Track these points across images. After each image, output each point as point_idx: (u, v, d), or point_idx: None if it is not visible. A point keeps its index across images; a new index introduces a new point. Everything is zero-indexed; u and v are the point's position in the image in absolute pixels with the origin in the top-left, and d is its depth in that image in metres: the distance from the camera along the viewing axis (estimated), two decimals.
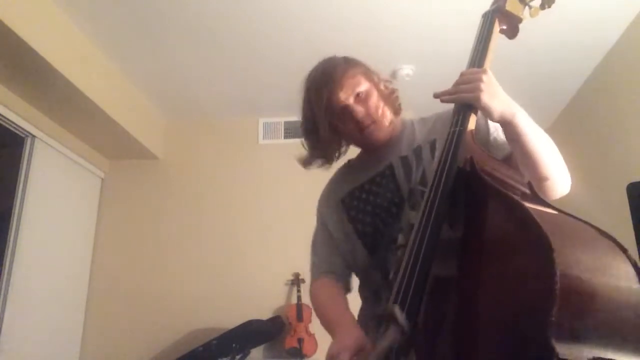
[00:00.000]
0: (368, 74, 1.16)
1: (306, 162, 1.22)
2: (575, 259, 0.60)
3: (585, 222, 0.70)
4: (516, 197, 0.73)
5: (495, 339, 0.66)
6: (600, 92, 3.21)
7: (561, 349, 0.54)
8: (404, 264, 0.77)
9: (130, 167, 3.79)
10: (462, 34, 2.89)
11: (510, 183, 0.81)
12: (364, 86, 1.13)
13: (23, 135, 2.96)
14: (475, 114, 0.92)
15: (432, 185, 0.82)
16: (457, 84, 0.92)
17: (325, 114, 1.11)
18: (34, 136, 2.98)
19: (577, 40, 2.92)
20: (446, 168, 0.82)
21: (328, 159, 1.21)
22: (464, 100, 0.90)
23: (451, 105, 0.97)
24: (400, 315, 0.70)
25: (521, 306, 0.62)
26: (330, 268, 1.24)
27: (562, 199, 1.02)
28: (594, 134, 3.28)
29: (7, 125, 2.82)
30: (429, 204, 0.80)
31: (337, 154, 1.22)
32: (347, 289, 1.25)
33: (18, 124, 2.85)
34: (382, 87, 1.18)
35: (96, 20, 2.73)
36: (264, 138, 3.87)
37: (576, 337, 0.56)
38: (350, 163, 1.30)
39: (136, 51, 3.04)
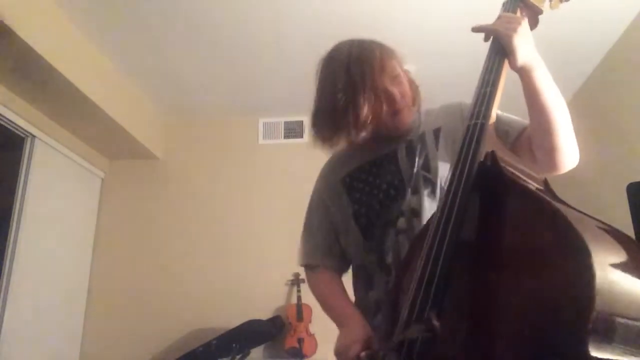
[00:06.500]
0: (399, 60, 1.17)
1: (331, 143, 1.14)
2: (609, 261, 0.58)
3: (602, 221, 0.67)
4: (546, 196, 0.68)
5: (518, 347, 0.62)
6: (600, 92, 3.21)
7: (594, 352, 0.52)
8: (419, 270, 0.73)
9: (130, 167, 3.79)
10: (463, 34, 2.90)
11: (530, 180, 0.77)
12: (399, 70, 1.14)
13: (23, 135, 2.96)
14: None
15: (452, 183, 0.78)
16: (496, 23, 0.96)
17: (370, 93, 1.07)
18: (34, 136, 2.98)
19: (577, 40, 2.92)
20: (467, 165, 0.78)
21: (354, 135, 1.12)
22: (497, 35, 0.94)
23: (456, 97, 0.95)
24: (436, 322, 0.67)
25: (554, 314, 0.58)
26: (327, 253, 1.23)
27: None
28: (594, 133, 3.28)
29: (7, 125, 2.82)
30: (448, 203, 0.76)
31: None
32: (343, 273, 1.25)
33: (18, 124, 2.85)
34: (408, 76, 1.19)
35: (97, 20, 2.73)
36: (264, 138, 3.86)
37: (609, 340, 0.54)
38: (353, 146, 1.24)
39: (136, 51, 3.04)
